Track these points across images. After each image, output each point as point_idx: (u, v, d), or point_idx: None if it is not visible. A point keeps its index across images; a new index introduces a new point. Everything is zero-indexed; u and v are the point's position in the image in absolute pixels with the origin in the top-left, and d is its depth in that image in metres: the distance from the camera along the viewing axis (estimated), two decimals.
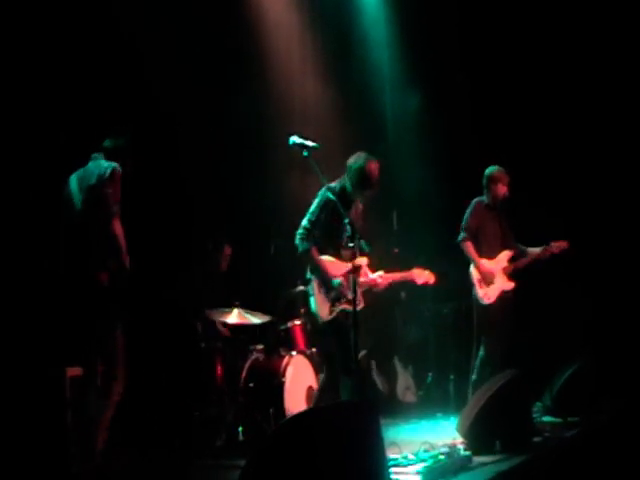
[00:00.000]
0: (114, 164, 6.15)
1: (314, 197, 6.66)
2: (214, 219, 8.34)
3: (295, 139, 6.10)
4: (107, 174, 6.11)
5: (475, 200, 8.44)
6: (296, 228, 6.79)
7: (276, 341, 7.88)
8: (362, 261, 6.54)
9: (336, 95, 9.69)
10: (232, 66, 8.70)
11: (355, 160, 6.72)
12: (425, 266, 9.61)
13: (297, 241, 6.52)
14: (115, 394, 6.03)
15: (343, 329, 6.40)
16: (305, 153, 6.05)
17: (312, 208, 6.57)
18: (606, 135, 9.45)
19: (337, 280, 6.51)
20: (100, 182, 6.11)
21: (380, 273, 6.75)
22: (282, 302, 8.28)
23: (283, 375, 7.38)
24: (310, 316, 6.63)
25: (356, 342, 5.78)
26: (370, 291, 6.76)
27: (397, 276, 6.89)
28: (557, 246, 8.24)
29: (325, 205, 6.52)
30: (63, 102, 6.96)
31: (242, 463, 4.30)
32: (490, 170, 8.39)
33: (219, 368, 7.58)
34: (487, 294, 8.18)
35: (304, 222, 6.54)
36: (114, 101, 7.26)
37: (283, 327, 7.95)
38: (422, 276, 6.95)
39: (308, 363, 7.71)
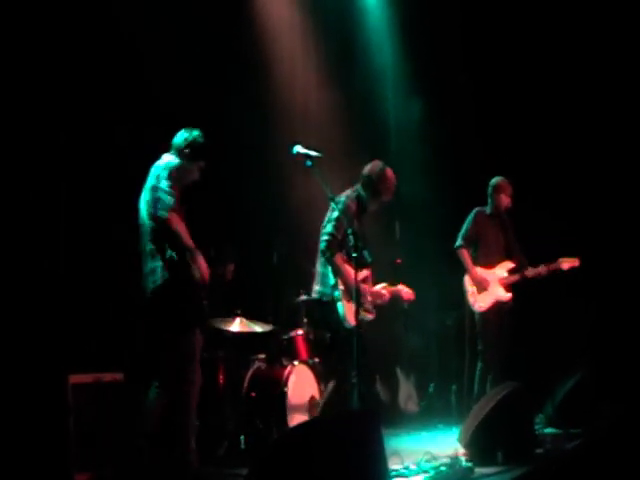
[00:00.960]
0: (169, 161, 5.99)
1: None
2: (215, 227, 8.32)
3: (298, 149, 6.13)
4: (160, 172, 5.92)
5: (475, 209, 8.49)
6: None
7: (278, 350, 7.87)
8: (365, 273, 6.59)
9: (339, 102, 9.71)
10: (235, 73, 8.69)
11: (371, 168, 6.79)
12: (427, 276, 9.78)
13: (324, 247, 6.49)
14: (193, 399, 5.97)
15: (362, 335, 6.44)
16: (308, 163, 6.09)
17: (337, 214, 6.54)
18: (612, 140, 9.42)
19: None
20: (156, 180, 5.91)
21: (384, 285, 6.77)
22: (284, 311, 8.27)
23: (285, 385, 7.36)
24: (334, 319, 6.55)
25: (360, 351, 5.83)
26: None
27: (391, 290, 6.91)
28: (566, 263, 8.22)
29: (347, 213, 6.53)
30: (63, 102, 6.97)
31: (244, 472, 4.31)
32: (495, 180, 8.46)
33: (221, 377, 7.57)
34: (477, 302, 8.22)
35: (329, 228, 6.52)
36: (118, 110, 7.28)
37: (285, 336, 7.94)
38: (407, 293, 6.97)
39: (310, 373, 7.69)
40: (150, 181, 5.98)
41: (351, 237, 5.90)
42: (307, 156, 6.09)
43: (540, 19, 9.63)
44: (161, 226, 5.83)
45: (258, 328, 7.77)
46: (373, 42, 10.40)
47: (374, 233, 7.99)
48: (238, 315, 7.71)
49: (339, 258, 6.50)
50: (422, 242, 9.93)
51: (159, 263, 5.91)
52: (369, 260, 6.09)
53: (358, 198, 6.70)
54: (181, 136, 6.19)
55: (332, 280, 6.53)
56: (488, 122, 9.79)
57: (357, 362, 5.97)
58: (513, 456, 6.20)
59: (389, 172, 6.82)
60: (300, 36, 9.70)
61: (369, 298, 6.66)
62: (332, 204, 6.56)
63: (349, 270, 6.48)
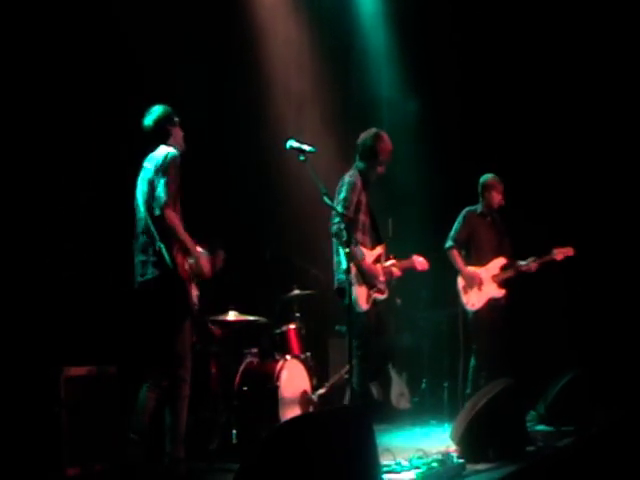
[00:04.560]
0: (167, 152, 5.91)
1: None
2: (208, 222, 8.31)
3: (292, 143, 6.12)
4: (159, 164, 5.86)
5: (465, 210, 8.49)
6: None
7: (271, 345, 7.87)
8: (378, 251, 6.60)
9: (333, 99, 9.71)
10: (230, 71, 8.69)
11: (365, 134, 6.87)
12: (419, 273, 9.76)
13: (335, 229, 6.49)
14: (185, 396, 5.94)
15: (378, 316, 6.47)
16: (302, 157, 6.08)
17: (343, 194, 6.56)
18: (602, 148, 9.45)
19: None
20: (154, 172, 5.87)
21: (393, 261, 6.77)
22: (277, 306, 8.27)
23: (277, 379, 7.35)
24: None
25: (351, 348, 5.82)
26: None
27: (404, 264, 6.90)
28: (560, 253, 8.22)
29: (356, 189, 6.56)
30: (63, 102, 6.96)
31: (235, 467, 4.29)
32: (484, 178, 8.46)
33: (213, 371, 7.56)
34: (470, 301, 8.23)
35: (340, 208, 6.51)
36: (109, 101, 7.26)
37: (278, 331, 7.94)
38: (421, 263, 6.94)
39: (302, 367, 7.69)
40: (148, 172, 5.94)
41: (344, 232, 5.93)
42: (300, 150, 6.08)
43: (531, 19, 9.67)
44: (156, 222, 5.82)
45: (252, 318, 7.78)
46: (368, 41, 10.42)
47: None
48: (231, 309, 7.71)
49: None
50: (414, 239, 9.92)
51: (151, 257, 5.88)
52: (361, 255, 6.10)
53: (360, 173, 6.73)
54: (153, 117, 6.14)
55: (344, 264, 6.50)
56: (482, 119, 9.81)
57: (349, 353, 5.96)
58: (505, 453, 6.20)
59: (383, 133, 6.89)
60: (295, 35, 9.69)
61: (382, 278, 6.67)
62: (340, 184, 6.60)
63: (360, 252, 6.50)
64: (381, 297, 6.59)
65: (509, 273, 8.29)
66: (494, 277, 8.26)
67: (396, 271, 6.82)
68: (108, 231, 7.05)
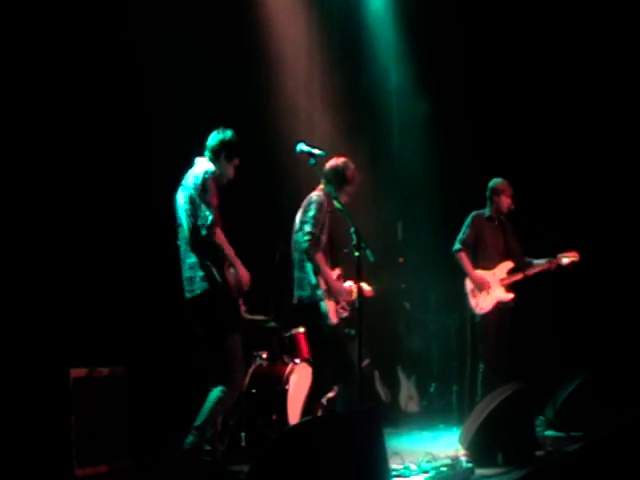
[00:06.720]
0: (206, 170, 5.95)
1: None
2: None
3: (302, 147, 6.11)
4: (198, 182, 5.90)
5: (473, 213, 8.48)
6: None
7: (280, 348, 7.88)
8: (337, 272, 6.64)
9: (342, 104, 9.70)
10: (240, 70, 8.68)
11: (333, 162, 6.82)
12: (429, 276, 9.76)
13: (307, 246, 6.47)
14: (228, 402, 5.96)
15: (343, 335, 6.48)
16: (312, 161, 6.07)
17: (313, 212, 6.53)
18: (610, 152, 9.44)
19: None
20: (195, 191, 5.90)
21: (350, 283, 6.75)
22: (286, 309, 8.26)
23: (286, 382, 7.37)
24: (316, 321, 6.56)
25: (360, 350, 5.78)
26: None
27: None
28: (566, 257, 8.19)
29: (323, 209, 6.55)
30: (64, 103, 6.99)
31: (244, 469, 4.30)
32: (494, 182, 8.43)
33: None
34: (479, 304, 8.21)
35: (308, 228, 6.48)
36: (111, 101, 7.27)
37: (287, 334, 7.94)
38: (367, 290, 6.90)
39: (311, 371, 7.69)
40: (188, 189, 5.96)
41: (354, 235, 5.85)
42: (311, 154, 6.07)
43: (541, 17, 9.66)
44: (203, 242, 5.85)
45: (262, 318, 7.85)
46: (378, 43, 10.41)
47: (377, 233, 8.01)
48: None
49: (321, 258, 6.50)
50: (424, 242, 9.93)
51: (198, 273, 5.92)
52: (372, 259, 6.08)
53: (327, 195, 6.69)
54: (215, 138, 6.16)
55: (314, 280, 6.53)
56: (491, 121, 9.80)
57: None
58: (513, 458, 6.20)
59: (350, 162, 6.86)
60: (304, 37, 9.68)
61: (345, 296, 6.69)
62: (306, 203, 6.61)
63: (328, 270, 6.50)
64: (345, 315, 6.62)
65: (516, 277, 8.27)
66: (501, 281, 8.24)
67: (354, 292, 6.77)
68: (111, 232, 7.10)
